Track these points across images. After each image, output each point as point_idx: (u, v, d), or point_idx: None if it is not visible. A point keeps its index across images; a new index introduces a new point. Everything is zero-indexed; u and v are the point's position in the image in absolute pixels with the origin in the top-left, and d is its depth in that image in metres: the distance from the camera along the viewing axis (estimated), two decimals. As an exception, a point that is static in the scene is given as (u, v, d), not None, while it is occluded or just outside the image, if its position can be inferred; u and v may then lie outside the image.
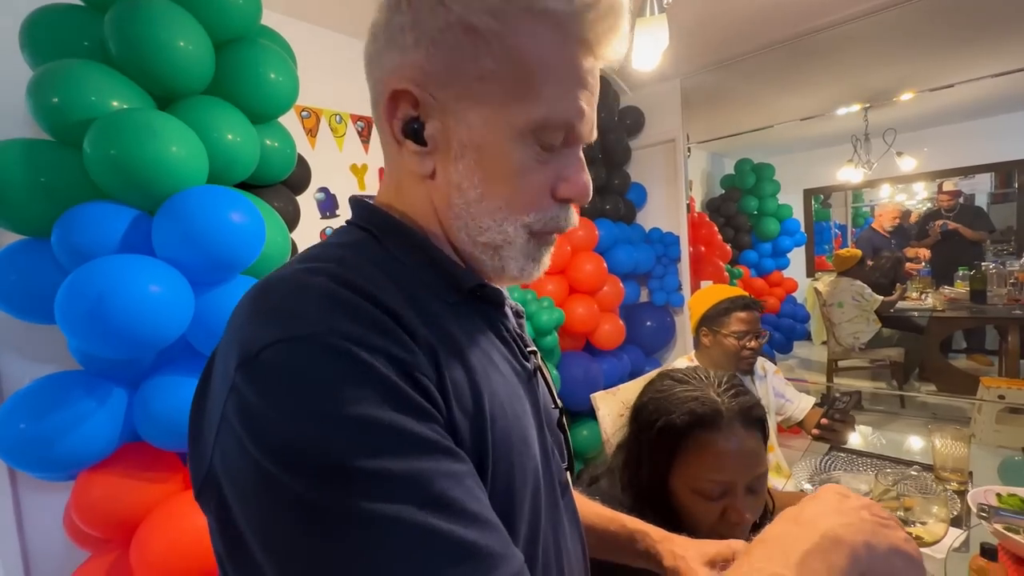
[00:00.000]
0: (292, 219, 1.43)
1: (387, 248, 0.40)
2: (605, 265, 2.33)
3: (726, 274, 3.04)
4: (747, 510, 0.65)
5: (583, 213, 2.48)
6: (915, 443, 1.40)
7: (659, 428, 0.70)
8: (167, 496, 1.06)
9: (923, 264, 3.38)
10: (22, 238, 1.04)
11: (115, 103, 0.99)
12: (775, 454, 1.38)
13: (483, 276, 0.43)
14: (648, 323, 2.72)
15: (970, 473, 1.10)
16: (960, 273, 3.11)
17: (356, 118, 1.99)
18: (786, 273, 3.78)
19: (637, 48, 1.23)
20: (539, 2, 0.36)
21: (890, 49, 2.45)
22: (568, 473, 0.50)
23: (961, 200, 3.17)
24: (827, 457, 1.28)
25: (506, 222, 0.40)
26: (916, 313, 3.11)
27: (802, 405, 1.40)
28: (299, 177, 1.51)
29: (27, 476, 1.22)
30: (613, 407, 1.41)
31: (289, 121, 1.67)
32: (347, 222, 0.45)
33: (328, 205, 1.90)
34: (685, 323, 2.71)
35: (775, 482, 1.30)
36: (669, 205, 2.87)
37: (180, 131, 1.00)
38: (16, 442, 0.94)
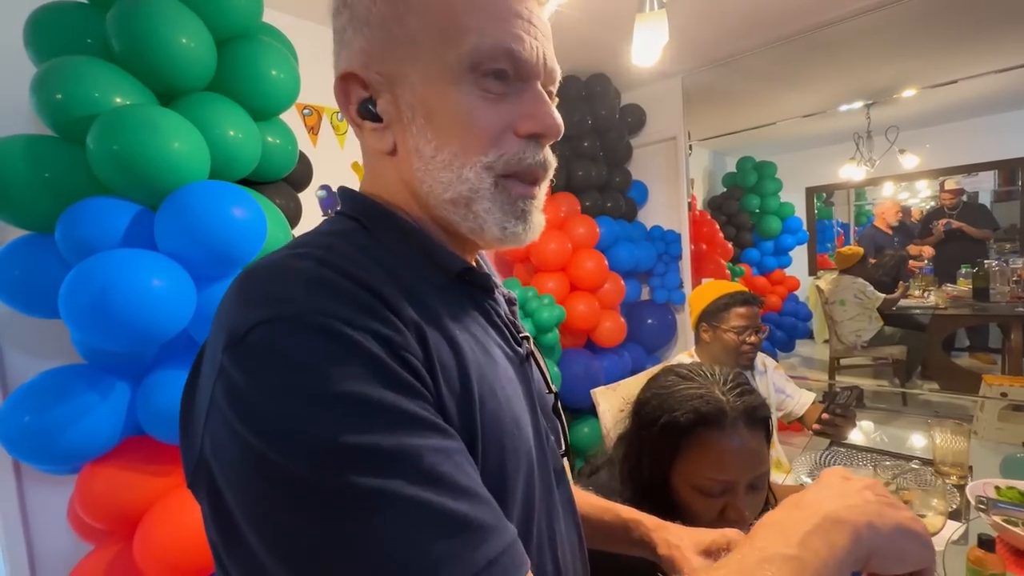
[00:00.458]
0: (294, 216, 1.44)
1: (376, 236, 0.40)
2: (606, 263, 2.33)
3: (727, 272, 3.04)
4: (747, 508, 0.65)
5: (584, 211, 2.48)
6: (917, 440, 1.40)
7: (662, 425, 0.70)
8: (170, 489, 1.07)
9: (925, 262, 3.37)
10: (26, 233, 1.05)
11: (118, 99, 1.00)
12: (776, 450, 1.38)
13: (467, 244, 0.43)
14: (649, 321, 2.73)
15: (970, 467, 1.10)
16: (963, 271, 3.09)
17: (357, 116, 2.00)
18: (788, 271, 3.77)
19: (637, 44, 1.23)
20: None
21: (893, 45, 2.44)
22: (565, 460, 0.50)
23: (964, 198, 3.15)
24: (827, 452, 1.28)
25: (464, 167, 0.38)
26: (919, 311, 3.10)
27: (802, 401, 1.40)
28: (301, 174, 1.51)
29: (32, 470, 1.23)
30: (613, 403, 1.41)
31: (291, 119, 1.67)
32: (335, 212, 0.45)
33: (330, 202, 1.91)
34: (686, 321, 2.71)
35: (775, 477, 1.30)
36: (670, 203, 2.87)
37: (182, 127, 1.01)
38: (21, 435, 0.95)
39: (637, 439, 0.74)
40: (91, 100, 0.98)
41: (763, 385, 1.41)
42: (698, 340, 1.46)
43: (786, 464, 1.35)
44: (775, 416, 1.42)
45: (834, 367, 3.32)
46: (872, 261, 3.36)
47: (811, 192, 3.80)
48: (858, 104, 2.87)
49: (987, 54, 2.46)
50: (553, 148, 0.43)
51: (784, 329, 3.68)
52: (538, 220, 0.43)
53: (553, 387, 0.52)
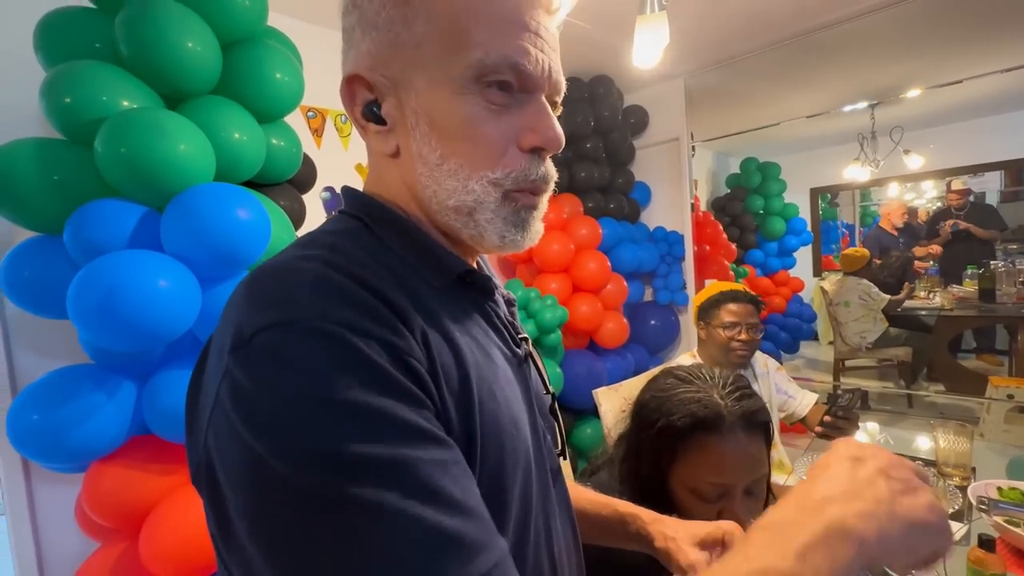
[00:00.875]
0: (298, 217, 1.45)
1: (378, 235, 0.41)
2: (608, 264, 2.33)
3: (731, 273, 3.04)
4: (744, 513, 0.65)
5: (586, 212, 2.49)
6: (923, 443, 1.39)
7: (659, 428, 0.70)
8: (175, 487, 1.08)
9: (931, 263, 3.35)
10: (35, 235, 1.07)
11: (125, 103, 1.02)
12: (778, 451, 1.38)
13: (465, 247, 0.44)
14: (652, 322, 2.73)
15: (973, 469, 1.10)
16: (969, 272, 3.08)
17: (361, 118, 2.01)
18: (792, 272, 3.76)
19: (638, 46, 1.24)
20: None
21: (897, 45, 2.43)
22: (561, 459, 0.50)
23: (971, 199, 3.13)
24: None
25: (471, 180, 0.39)
26: (924, 312, 3.08)
27: (805, 402, 1.39)
28: (305, 176, 1.53)
29: (40, 469, 1.25)
30: (615, 403, 1.41)
31: (295, 121, 1.69)
32: (339, 211, 0.45)
33: (333, 204, 1.93)
34: (689, 322, 2.71)
35: (777, 478, 1.30)
36: (673, 204, 2.86)
37: (188, 130, 1.02)
38: (29, 433, 0.96)
39: (636, 440, 0.75)
40: (99, 104, 0.99)
41: (765, 386, 1.41)
42: (698, 339, 1.46)
43: (788, 465, 1.35)
44: (777, 417, 1.42)
45: (839, 368, 3.30)
46: (877, 262, 3.34)
47: (815, 193, 3.80)
48: (862, 104, 2.86)
49: (992, 54, 2.45)
50: None
51: (788, 330, 3.67)
52: (537, 228, 0.43)
53: (551, 388, 0.53)
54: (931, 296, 3.19)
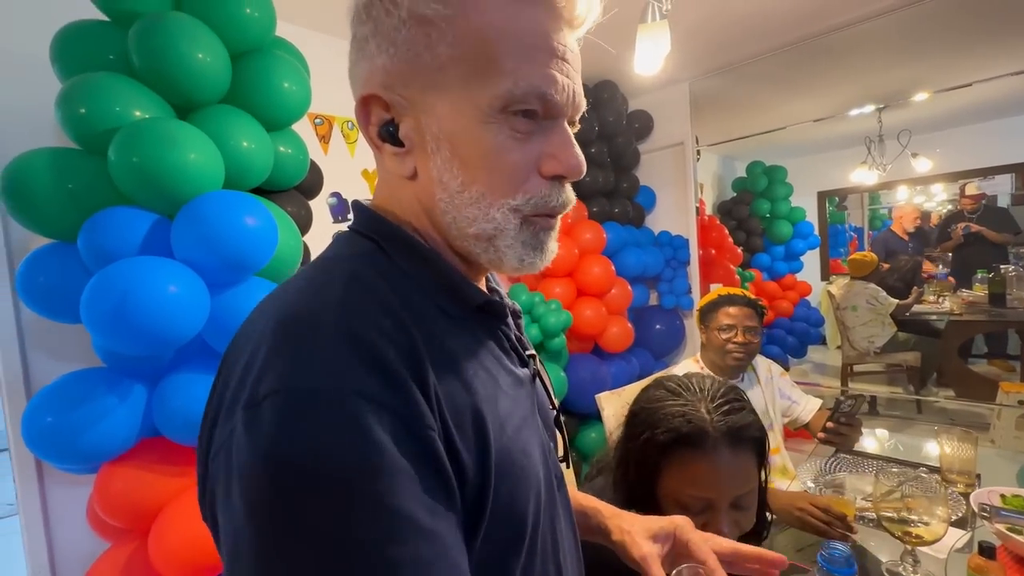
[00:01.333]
0: (305, 223, 1.47)
1: (393, 260, 0.40)
2: (613, 268, 2.34)
3: (737, 277, 3.03)
4: (728, 526, 0.65)
5: (591, 217, 2.50)
6: (932, 449, 1.38)
7: (644, 441, 0.70)
8: (183, 489, 1.10)
9: (939, 267, 3.32)
10: (50, 242, 1.10)
11: (137, 113, 1.05)
12: (781, 456, 1.37)
13: (479, 267, 0.44)
14: (657, 326, 2.73)
15: (978, 476, 1.09)
16: (979, 276, 3.04)
17: (368, 125, 2.04)
18: (800, 276, 3.74)
19: (639, 53, 1.25)
20: None
21: (904, 49, 2.42)
22: (564, 466, 0.51)
23: (984, 202, 3.10)
24: (833, 459, 1.27)
25: (492, 208, 0.38)
26: (934, 317, 3.05)
27: (808, 407, 1.39)
28: (312, 182, 1.55)
29: (53, 472, 1.27)
30: (617, 407, 1.42)
31: (303, 128, 1.72)
32: (350, 228, 0.44)
33: (340, 209, 1.95)
34: (694, 326, 2.69)
35: (780, 484, 1.30)
36: (678, 208, 2.87)
37: (198, 139, 1.05)
38: (43, 435, 0.99)
39: (625, 450, 0.75)
40: (112, 114, 1.02)
41: (769, 391, 1.41)
42: (701, 343, 1.47)
43: (792, 470, 1.34)
44: (781, 423, 1.42)
45: (847, 373, 3.27)
46: (885, 266, 3.32)
47: (823, 196, 3.77)
48: (869, 108, 2.84)
49: (1001, 57, 2.43)
50: None
51: (796, 335, 3.65)
52: (553, 248, 0.43)
53: (556, 401, 0.54)
54: (940, 300, 3.16)
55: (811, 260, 3.79)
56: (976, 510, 0.88)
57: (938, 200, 3.41)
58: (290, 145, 1.35)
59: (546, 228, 0.42)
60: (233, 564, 0.30)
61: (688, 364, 1.46)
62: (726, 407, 0.70)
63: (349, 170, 1.99)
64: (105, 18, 1.13)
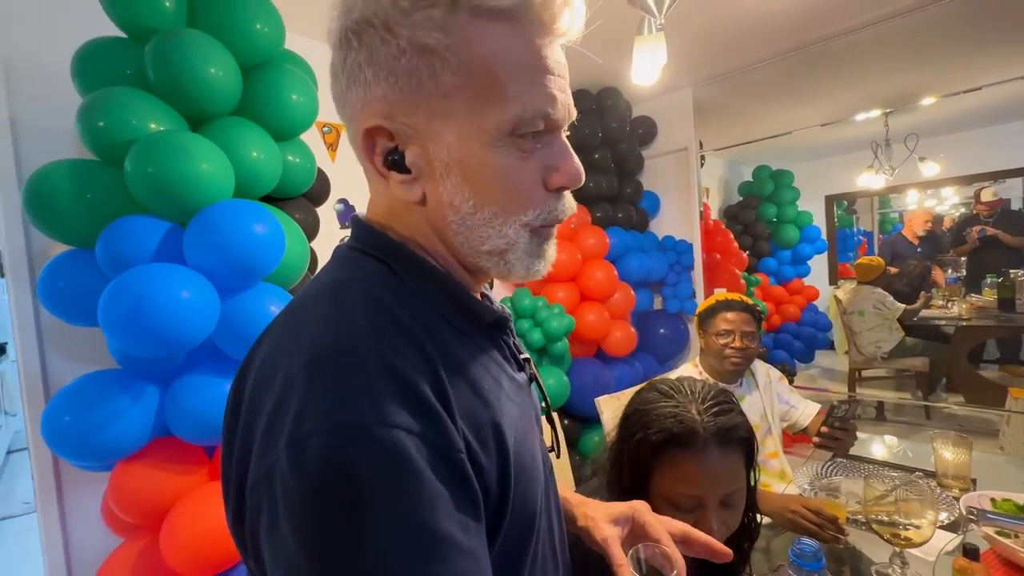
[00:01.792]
0: (312, 229, 1.52)
1: (406, 282, 0.41)
2: (615, 273, 2.36)
3: (742, 282, 3.03)
4: (717, 524, 0.67)
5: (595, 222, 2.52)
6: (957, 455, 1.36)
7: (637, 441, 0.72)
8: (193, 487, 1.14)
9: (948, 271, 3.29)
10: (69, 249, 1.14)
11: (153, 125, 1.09)
12: (779, 460, 1.38)
13: (479, 275, 0.46)
14: (661, 330, 2.74)
15: (973, 480, 1.09)
16: (988, 281, 3.02)
17: (374, 133, 2.09)
18: (808, 280, 3.73)
19: (636, 65, 1.28)
20: (484, 4, 0.36)
21: (910, 54, 2.42)
22: (553, 455, 0.55)
23: (1000, 207, 3.06)
24: (830, 463, 1.28)
25: (505, 225, 0.40)
26: (943, 322, 3.03)
27: (807, 412, 1.40)
28: (319, 190, 1.60)
29: (69, 470, 1.32)
30: (616, 410, 1.43)
31: (311, 136, 1.76)
32: (353, 247, 0.45)
33: (346, 215, 2.00)
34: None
35: (777, 488, 1.31)
36: (682, 213, 2.88)
37: (210, 150, 1.09)
38: (62, 434, 1.03)
39: (619, 450, 0.77)
40: (129, 127, 1.07)
41: (767, 396, 1.42)
42: (700, 349, 1.49)
43: (790, 475, 1.35)
44: (780, 427, 1.43)
45: (854, 379, 3.25)
46: (892, 271, 3.30)
47: (831, 200, 3.76)
48: (876, 112, 2.83)
49: (1009, 60, 2.41)
50: None
51: (803, 339, 3.63)
52: (552, 253, 0.45)
53: (547, 397, 0.57)
54: (949, 305, 3.13)
55: (819, 264, 3.77)
56: (964, 513, 0.89)
57: (950, 204, 3.38)
58: (298, 154, 1.40)
59: (549, 237, 0.44)
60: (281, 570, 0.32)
61: (687, 368, 1.47)
62: (715, 408, 0.72)
63: (356, 177, 1.97)
64: (123, 35, 1.18)
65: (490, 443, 0.38)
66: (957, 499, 1.01)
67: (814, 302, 3.73)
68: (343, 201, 1.99)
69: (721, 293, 1.52)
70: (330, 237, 1.92)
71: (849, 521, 0.96)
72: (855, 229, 3.92)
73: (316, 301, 0.40)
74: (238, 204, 1.10)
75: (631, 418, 0.77)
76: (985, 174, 3.05)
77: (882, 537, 0.83)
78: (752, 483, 0.76)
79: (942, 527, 0.93)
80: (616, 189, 2.65)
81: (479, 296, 0.48)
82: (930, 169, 3.01)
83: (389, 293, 0.40)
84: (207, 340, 1.09)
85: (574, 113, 0.43)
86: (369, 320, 0.36)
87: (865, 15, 2.09)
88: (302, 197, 1.52)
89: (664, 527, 0.53)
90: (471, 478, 0.35)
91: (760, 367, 1.46)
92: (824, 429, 1.18)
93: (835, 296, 3.42)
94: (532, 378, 0.52)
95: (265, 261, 1.12)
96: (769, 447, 1.38)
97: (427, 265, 0.42)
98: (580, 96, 2.55)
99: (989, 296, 2.98)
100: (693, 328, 2.77)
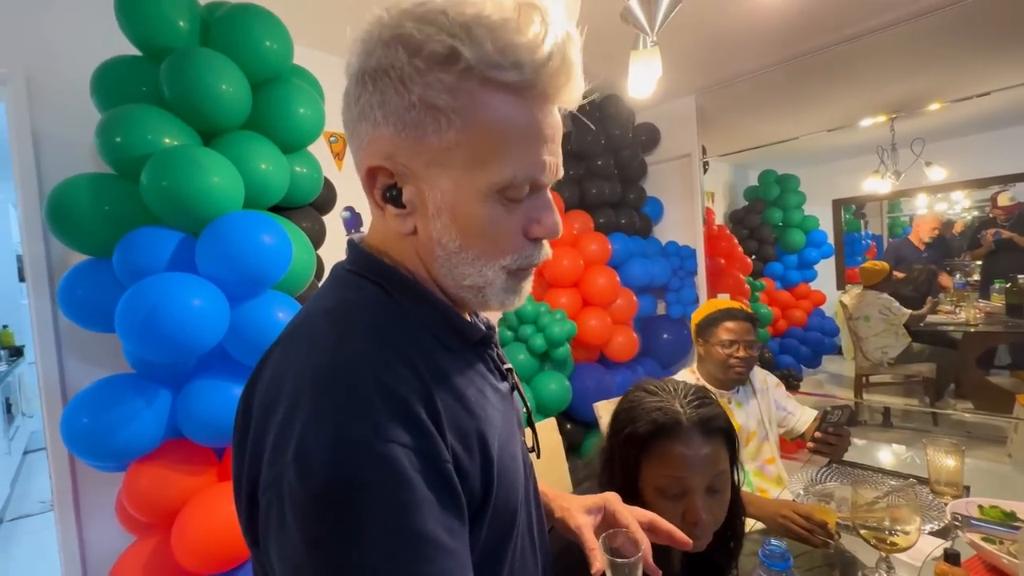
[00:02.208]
0: (319, 237, 1.56)
1: (401, 304, 0.45)
2: (618, 278, 2.38)
3: (747, 287, 3.03)
4: (705, 511, 0.71)
5: (598, 228, 2.55)
6: (947, 463, 1.37)
7: (626, 435, 0.78)
8: (204, 487, 1.18)
9: (956, 276, 3.27)
10: (88, 258, 1.20)
11: (167, 140, 1.14)
12: (776, 466, 1.40)
13: (467, 308, 0.51)
14: (664, 335, 2.75)
15: (966, 487, 1.10)
16: (996, 286, 2.99)
17: (380, 142, 2.14)
18: (814, 285, 3.71)
19: (633, 78, 1.31)
20: (493, 76, 0.39)
21: (915, 60, 2.42)
22: (533, 455, 0.59)
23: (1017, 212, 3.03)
24: (824, 469, 1.30)
25: (485, 267, 0.45)
26: (951, 327, 3.01)
27: (804, 418, 1.41)
28: (325, 198, 1.64)
29: (85, 470, 1.36)
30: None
31: (318, 146, 1.81)
32: (351, 270, 0.48)
33: (353, 223, 2.05)
34: (702, 336, 2.72)
35: (774, 493, 1.32)
36: (686, 219, 2.90)
37: (221, 164, 1.14)
38: (79, 435, 1.08)
39: (609, 449, 0.81)
40: (145, 142, 1.12)
41: (764, 402, 1.43)
42: (697, 356, 1.50)
43: (786, 480, 1.37)
44: (777, 433, 1.44)
45: (861, 384, 3.23)
46: (898, 275, 3.28)
47: (838, 204, 3.74)
48: (881, 118, 2.83)
49: (1016, 65, 2.40)
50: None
51: (809, 344, 3.61)
52: (527, 288, 0.50)
53: (528, 403, 0.61)
54: (957, 311, 3.10)
55: (827, 269, 3.76)
56: (950, 519, 0.90)
57: (961, 207, 3.36)
58: (305, 165, 1.45)
59: (526, 277, 0.49)
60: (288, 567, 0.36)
61: (684, 375, 1.49)
62: (696, 402, 0.78)
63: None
64: (139, 53, 1.23)
65: (475, 449, 0.42)
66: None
67: (821, 307, 3.72)
68: (350, 208, 2.04)
69: (718, 300, 1.53)
70: (337, 244, 1.96)
71: (840, 526, 0.98)
72: (863, 233, 3.90)
73: (319, 323, 0.44)
74: (247, 216, 1.15)
75: (620, 416, 0.82)
76: (992, 178, 3.03)
77: (868, 542, 0.85)
78: (736, 483, 0.79)
79: (932, 533, 0.95)
80: (619, 195, 2.67)
81: (467, 316, 0.52)
82: (936, 173, 3.00)
83: (386, 316, 0.44)
84: (218, 346, 1.14)
85: (561, 172, 0.46)
86: (367, 343, 0.40)
87: (868, 22, 2.10)
88: (309, 206, 1.57)
89: (633, 516, 0.57)
90: (456, 485, 0.39)
91: (757, 373, 1.47)
92: (818, 435, 1.20)
93: (841, 301, 3.40)
94: (514, 387, 0.56)
95: (273, 270, 1.16)
96: (766, 453, 1.40)
97: (413, 286, 0.47)
98: (582, 104, 2.57)
99: (998, 301, 2.95)
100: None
